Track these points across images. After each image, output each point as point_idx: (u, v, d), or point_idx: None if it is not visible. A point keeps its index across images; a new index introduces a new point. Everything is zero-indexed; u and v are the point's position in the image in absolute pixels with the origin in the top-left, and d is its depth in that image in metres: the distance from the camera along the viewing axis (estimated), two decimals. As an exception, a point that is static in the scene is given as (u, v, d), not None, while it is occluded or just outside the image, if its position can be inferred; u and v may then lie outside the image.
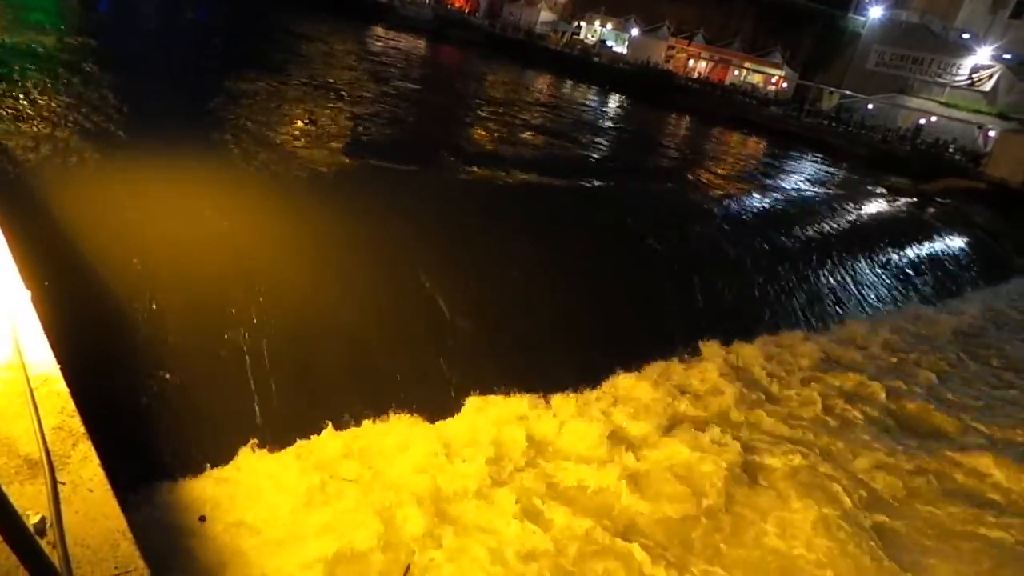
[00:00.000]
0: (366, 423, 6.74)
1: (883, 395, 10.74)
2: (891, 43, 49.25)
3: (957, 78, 46.47)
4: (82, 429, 3.35)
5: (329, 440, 6.34)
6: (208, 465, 5.79)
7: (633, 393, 8.70)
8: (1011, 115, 42.18)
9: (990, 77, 45.16)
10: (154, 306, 6.20)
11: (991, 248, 24.11)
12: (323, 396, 6.72)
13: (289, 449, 6.14)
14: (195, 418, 6.04)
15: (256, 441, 6.06)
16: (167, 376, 6.01)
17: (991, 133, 40.40)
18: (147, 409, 5.81)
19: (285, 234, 7.57)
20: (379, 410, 6.88)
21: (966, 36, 46.69)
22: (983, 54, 45.34)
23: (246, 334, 6.50)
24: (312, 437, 6.31)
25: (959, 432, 10.16)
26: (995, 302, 19.51)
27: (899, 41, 48.77)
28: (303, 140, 11.59)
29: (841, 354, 12.04)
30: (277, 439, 6.15)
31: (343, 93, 18.14)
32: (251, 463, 5.90)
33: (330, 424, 6.44)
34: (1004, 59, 44.84)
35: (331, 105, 15.80)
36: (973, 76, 45.82)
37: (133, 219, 6.75)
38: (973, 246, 23.01)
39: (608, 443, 7.40)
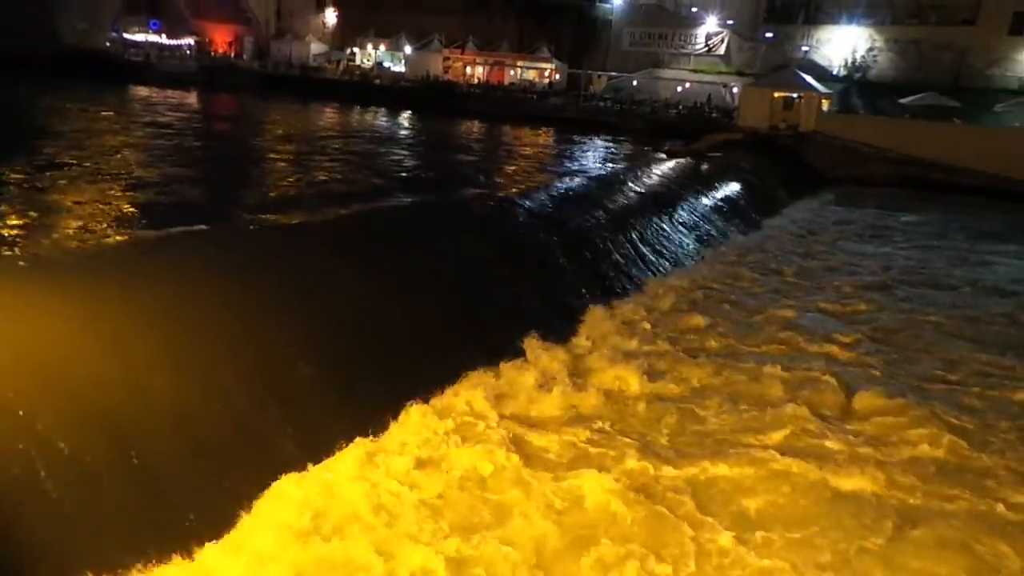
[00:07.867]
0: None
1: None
2: (639, 24, 54.49)
3: (696, 46, 52.56)
4: None
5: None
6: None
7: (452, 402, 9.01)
8: (746, 71, 48.88)
9: (721, 42, 51.67)
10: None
11: (759, 187, 27.58)
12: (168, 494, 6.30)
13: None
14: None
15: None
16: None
17: (735, 90, 46.07)
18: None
19: (81, 325, 6.89)
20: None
21: (695, 9, 53.08)
22: (712, 23, 51.68)
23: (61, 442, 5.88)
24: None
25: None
26: (771, 231, 22.51)
27: (644, 21, 54.19)
28: (82, 222, 10.64)
29: (636, 318, 12.91)
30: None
31: (120, 164, 16.78)
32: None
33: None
34: (729, 24, 51.42)
35: (107, 179, 14.53)
36: (708, 43, 52.11)
37: None
38: (746, 189, 26.19)
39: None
